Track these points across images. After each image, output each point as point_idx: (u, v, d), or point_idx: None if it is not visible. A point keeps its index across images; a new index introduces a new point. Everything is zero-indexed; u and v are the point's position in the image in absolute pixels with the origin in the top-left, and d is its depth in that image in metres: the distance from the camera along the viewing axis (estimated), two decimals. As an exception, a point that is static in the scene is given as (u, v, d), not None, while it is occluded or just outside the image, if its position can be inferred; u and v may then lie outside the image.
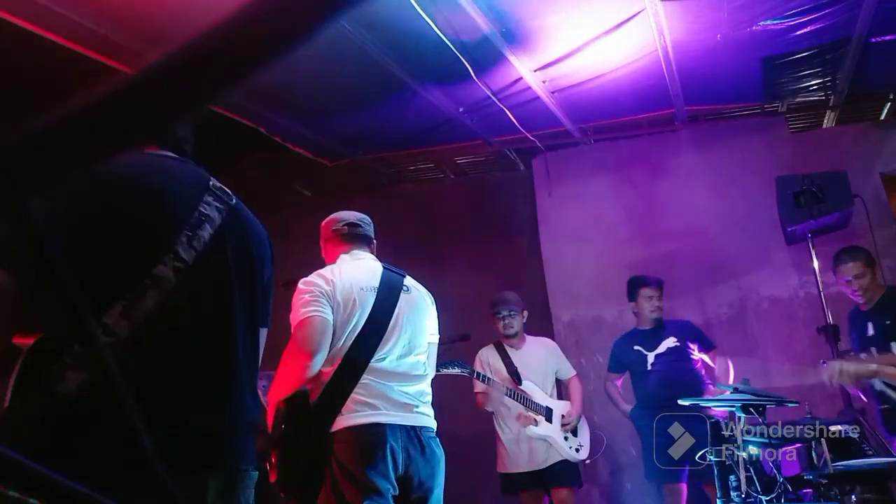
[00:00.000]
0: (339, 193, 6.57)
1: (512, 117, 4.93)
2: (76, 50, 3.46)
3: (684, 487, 3.98)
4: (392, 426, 2.27)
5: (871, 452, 2.99)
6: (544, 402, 4.01)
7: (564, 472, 3.95)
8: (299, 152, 5.44)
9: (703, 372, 4.26)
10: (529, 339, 4.26)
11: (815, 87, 4.81)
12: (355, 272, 2.45)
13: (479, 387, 3.99)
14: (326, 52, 3.86)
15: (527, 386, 4.00)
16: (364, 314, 2.34)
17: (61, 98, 0.30)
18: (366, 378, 2.28)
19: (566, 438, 3.99)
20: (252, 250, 1.55)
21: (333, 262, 2.54)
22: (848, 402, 3.83)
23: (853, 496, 2.76)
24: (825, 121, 5.39)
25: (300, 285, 2.35)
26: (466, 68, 4.11)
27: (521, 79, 4.41)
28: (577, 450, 4.03)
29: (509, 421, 3.98)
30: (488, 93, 4.53)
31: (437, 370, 3.96)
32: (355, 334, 2.31)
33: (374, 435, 2.23)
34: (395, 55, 4.02)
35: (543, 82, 4.49)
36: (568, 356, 4.47)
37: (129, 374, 1.25)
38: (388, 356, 2.36)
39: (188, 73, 0.30)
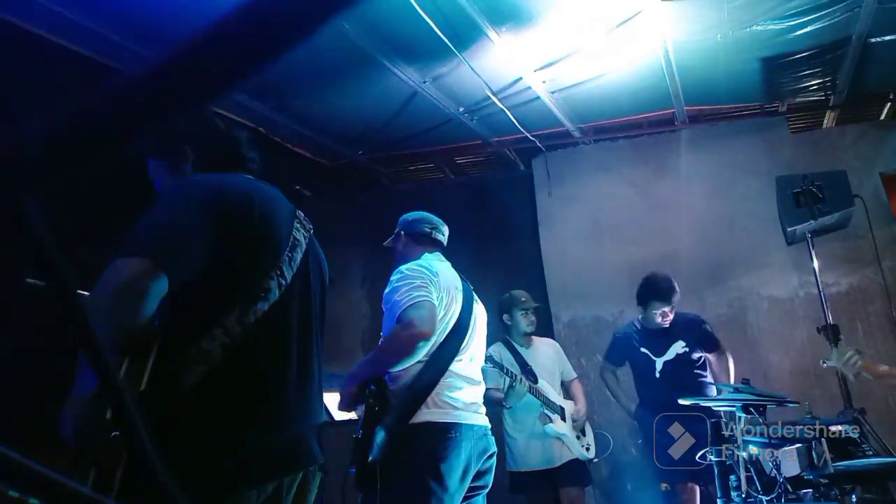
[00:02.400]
0: (339, 193, 6.58)
1: (512, 117, 4.93)
2: (76, 50, 3.46)
3: (697, 487, 3.91)
4: (465, 425, 2.33)
5: (871, 452, 2.99)
6: (558, 400, 4.02)
7: (575, 471, 3.96)
8: (299, 152, 5.44)
9: (710, 375, 4.14)
10: (535, 339, 4.27)
11: (815, 87, 4.81)
12: (447, 272, 2.53)
13: (490, 382, 4.00)
14: (326, 52, 3.86)
15: (542, 385, 4.01)
16: (456, 313, 2.42)
17: (61, 98, 0.30)
18: (449, 375, 2.34)
19: (578, 437, 4.00)
20: (323, 272, 1.77)
21: (414, 257, 2.58)
22: (848, 403, 3.83)
23: (853, 496, 2.76)
24: (825, 121, 5.39)
25: (406, 271, 2.38)
26: (469, 66, 4.12)
27: (521, 79, 4.41)
28: (588, 448, 4.05)
29: (522, 418, 3.98)
30: (489, 93, 4.54)
31: None
32: (447, 331, 2.37)
33: (453, 433, 2.28)
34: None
35: (543, 82, 4.49)
36: (568, 356, 4.47)
37: (233, 375, 1.40)
38: (464, 358, 2.43)
39: (187, 73, 0.30)
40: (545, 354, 4.21)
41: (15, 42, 3.25)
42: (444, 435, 2.26)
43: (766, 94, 4.96)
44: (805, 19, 3.83)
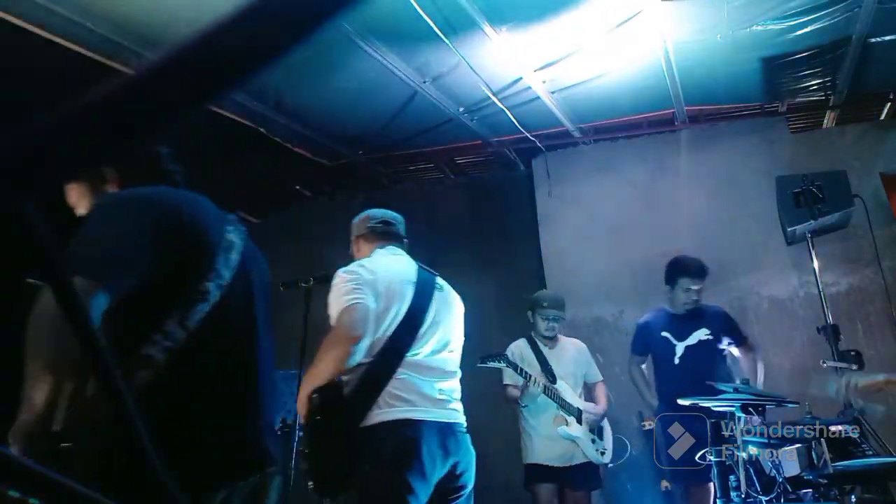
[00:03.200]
0: (339, 193, 6.58)
1: (512, 117, 4.93)
2: (76, 50, 3.46)
3: (711, 487, 3.85)
4: (427, 422, 2.25)
5: (871, 452, 2.99)
6: (575, 402, 3.99)
7: (585, 474, 3.93)
8: (299, 152, 5.44)
9: (732, 369, 4.02)
10: (562, 338, 4.22)
11: (815, 87, 4.81)
12: (394, 265, 2.47)
13: (509, 379, 3.99)
14: (325, 52, 3.86)
15: (560, 385, 3.98)
16: (403, 307, 2.35)
17: (61, 98, 0.30)
18: (402, 372, 2.27)
19: (593, 441, 3.97)
20: (263, 270, 1.80)
21: (365, 256, 2.54)
22: (848, 403, 3.82)
23: (853, 496, 2.76)
24: (825, 121, 5.39)
25: (340, 273, 2.34)
26: (469, 66, 4.12)
27: (521, 78, 4.41)
28: (603, 453, 4.00)
29: (538, 416, 3.95)
30: (488, 93, 4.54)
31: (484, 363, 3.91)
32: (394, 326, 2.31)
33: (410, 431, 2.21)
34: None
35: (543, 82, 4.49)
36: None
37: (179, 379, 1.42)
38: (422, 351, 2.36)
39: (188, 74, 0.30)
40: (568, 355, 4.15)
41: (15, 42, 3.25)
42: (400, 433, 2.19)
43: (766, 94, 4.96)
44: (805, 19, 3.83)
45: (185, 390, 1.43)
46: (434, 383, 2.35)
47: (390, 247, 2.59)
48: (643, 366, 4.33)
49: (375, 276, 2.33)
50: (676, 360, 4.01)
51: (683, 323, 4.06)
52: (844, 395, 3.03)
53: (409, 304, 2.36)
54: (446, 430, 2.31)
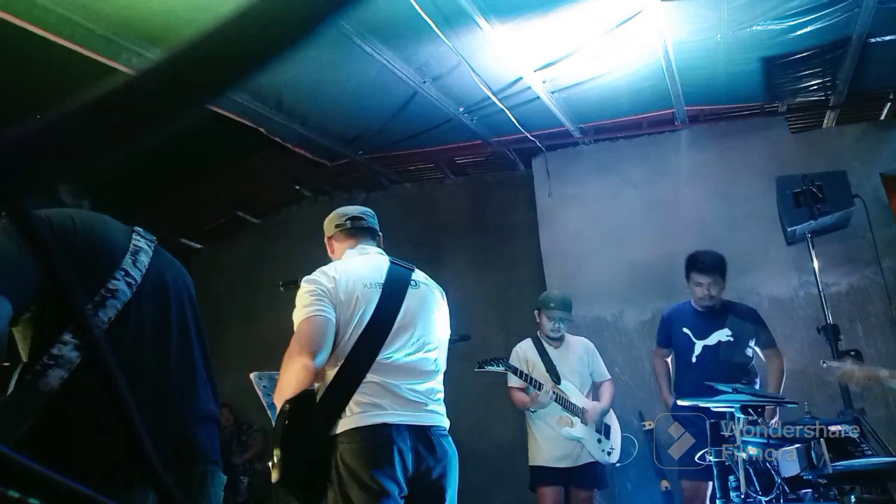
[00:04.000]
0: (339, 193, 6.58)
1: (512, 117, 4.93)
2: (76, 50, 3.47)
3: (709, 486, 3.72)
4: (399, 426, 2.18)
5: (870, 452, 2.99)
6: (580, 402, 3.98)
7: (591, 474, 3.93)
8: (299, 152, 5.44)
9: (754, 376, 3.91)
10: (568, 337, 4.20)
11: (815, 87, 4.81)
12: (360, 268, 2.39)
13: (514, 381, 3.98)
14: (325, 52, 3.86)
15: (565, 386, 3.97)
16: (368, 311, 2.28)
17: (61, 98, 0.30)
18: (372, 377, 2.22)
19: (599, 441, 3.96)
20: (183, 275, 1.85)
21: (339, 258, 2.49)
22: (848, 403, 3.82)
23: (852, 496, 2.77)
24: (825, 121, 5.39)
25: (302, 283, 2.30)
26: (469, 66, 4.12)
27: (521, 78, 4.42)
28: (609, 453, 3.99)
29: (543, 416, 3.95)
30: (488, 93, 4.54)
31: (482, 368, 3.90)
32: (359, 332, 2.25)
33: (381, 436, 2.15)
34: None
35: (543, 82, 4.50)
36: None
37: (94, 376, 1.35)
38: (395, 353, 2.28)
39: (187, 74, 0.30)
40: (574, 354, 4.14)
41: (15, 42, 3.25)
42: (371, 439, 2.14)
43: (766, 94, 4.96)
44: (805, 19, 3.83)
45: (98, 388, 1.43)
46: (409, 385, 2.27)
47: (361, 245, 2.51)
48: (669, 359, 4.22)
49: (335, 284, 2.27)
50: (693, 359, 3.93)
51: (705, 321, 3.95)
52: (845, 380, 2.99)
53: (374, 307, 2.28)
54: (421, 432, 2.24)
